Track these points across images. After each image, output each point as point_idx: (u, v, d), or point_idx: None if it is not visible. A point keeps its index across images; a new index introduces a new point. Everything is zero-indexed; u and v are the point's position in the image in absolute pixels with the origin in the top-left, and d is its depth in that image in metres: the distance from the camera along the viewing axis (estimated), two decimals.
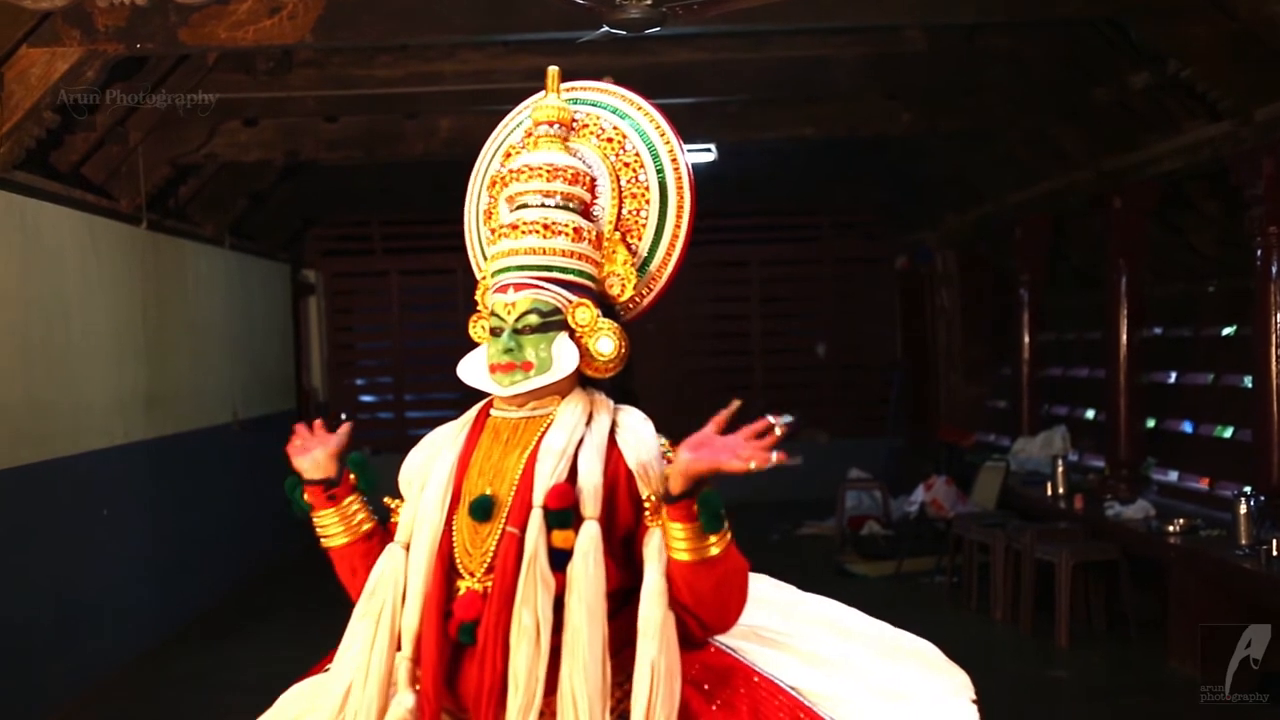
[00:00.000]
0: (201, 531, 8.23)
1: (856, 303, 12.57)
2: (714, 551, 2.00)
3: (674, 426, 2.19)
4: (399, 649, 2.14)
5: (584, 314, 2.19)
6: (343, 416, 11.62)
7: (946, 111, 8.09)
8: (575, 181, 2.23)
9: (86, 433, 6.64)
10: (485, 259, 2.32)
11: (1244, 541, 5.74)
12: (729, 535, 2.02)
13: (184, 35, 5.42)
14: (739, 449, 1.94)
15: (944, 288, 11.56)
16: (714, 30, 6.42)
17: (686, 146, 2.36)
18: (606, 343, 2.19)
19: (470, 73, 7.09)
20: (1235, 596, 5.80)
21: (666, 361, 11.51)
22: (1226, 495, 6.68)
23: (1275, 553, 5.50)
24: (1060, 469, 7.74)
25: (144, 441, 7.39)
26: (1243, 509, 5.80)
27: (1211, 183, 7.03)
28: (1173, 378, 8.06)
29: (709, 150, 8.89)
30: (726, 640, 2.29)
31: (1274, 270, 5.91)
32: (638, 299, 2.29)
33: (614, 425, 2.17)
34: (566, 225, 2.20)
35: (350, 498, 2.29)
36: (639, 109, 2.33)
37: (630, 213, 2.29)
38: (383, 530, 2.29)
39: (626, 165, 2.29)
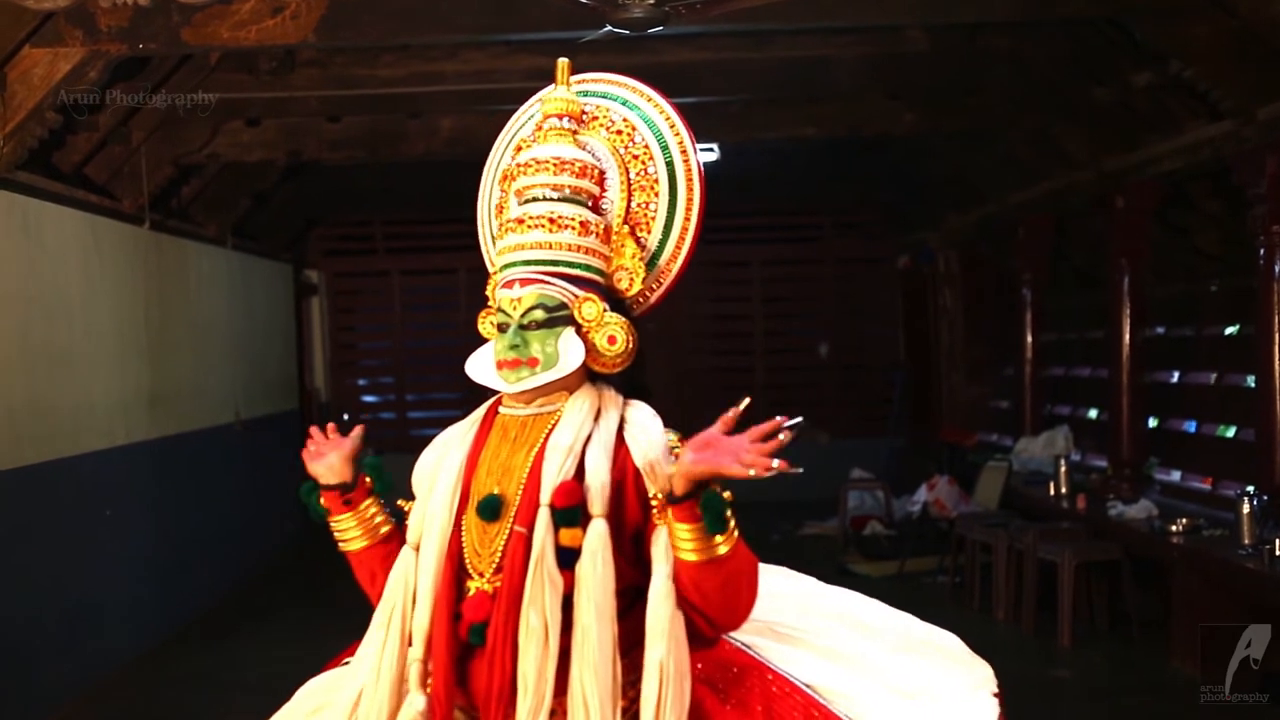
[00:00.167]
0: (203, 531, 8.23)
1: (858, 303, 12.57)
2: (721, 551, 1.97)
3: (675, 426, 2.16)
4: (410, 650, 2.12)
5: (590, 309, 2.15)
6: (344, 417, 11.66)
7: (948, 111, 8.09)
8: (583, 175, 2.20)
9: (89, 433, 6.64)
10: (495, 253, 2.29)
11: (1247, 541, 5.74)
12: (736, 534, 1.99)
13: (186, 35, 5.42)
14: (742, 453, 1.90)
15: (946, 288, 11.57)
16: (716, 30, 6.43)
17: None
18: (614, 338, 2.16)
19: (472, 72, 7.09)
20: (1238, 597, 5.80)
21: (667, 362, 11.51)
22: (1229, 495, 6.67)
23: (1278, 553, 5.48)
24: (1063, 469, 7.74)
25: (146, 442, 7.39)
26: (1245, 509, 5.79)
27: (1214, 182, 7.02)
28: (1175, 377, 8.06)
29: (711, 150, 8.89)
30: (741, 637, 2.26)
31: (1276, 269, 5.90)
32: (647, 293, 2.26)
33: (623, 421, 2.14)
34: (573, 219, 2.17)
35: (367, 501, 2.27)
36: (649, 100, 2.30)
37: (639, 206, 2.25)
38: (400, 532, 2.26)
39: (636, 158, 2.26)
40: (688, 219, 2.25)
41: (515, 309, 2.14)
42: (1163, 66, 6.29)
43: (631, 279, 2.22)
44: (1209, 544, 6.04)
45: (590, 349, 2.16)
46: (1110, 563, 6.75)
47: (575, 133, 2.25)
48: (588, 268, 2.17)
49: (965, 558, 7.77)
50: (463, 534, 2.14)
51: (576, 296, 2.16)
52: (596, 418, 2.13)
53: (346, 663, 2.28)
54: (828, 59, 7.18)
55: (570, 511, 2.04)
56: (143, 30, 5.40)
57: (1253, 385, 6.46)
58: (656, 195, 2.25)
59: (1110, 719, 5.82)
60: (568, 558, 2.03)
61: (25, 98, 5.55)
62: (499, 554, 2.09)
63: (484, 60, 7.02)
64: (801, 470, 1.89)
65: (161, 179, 7.71)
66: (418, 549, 2.15)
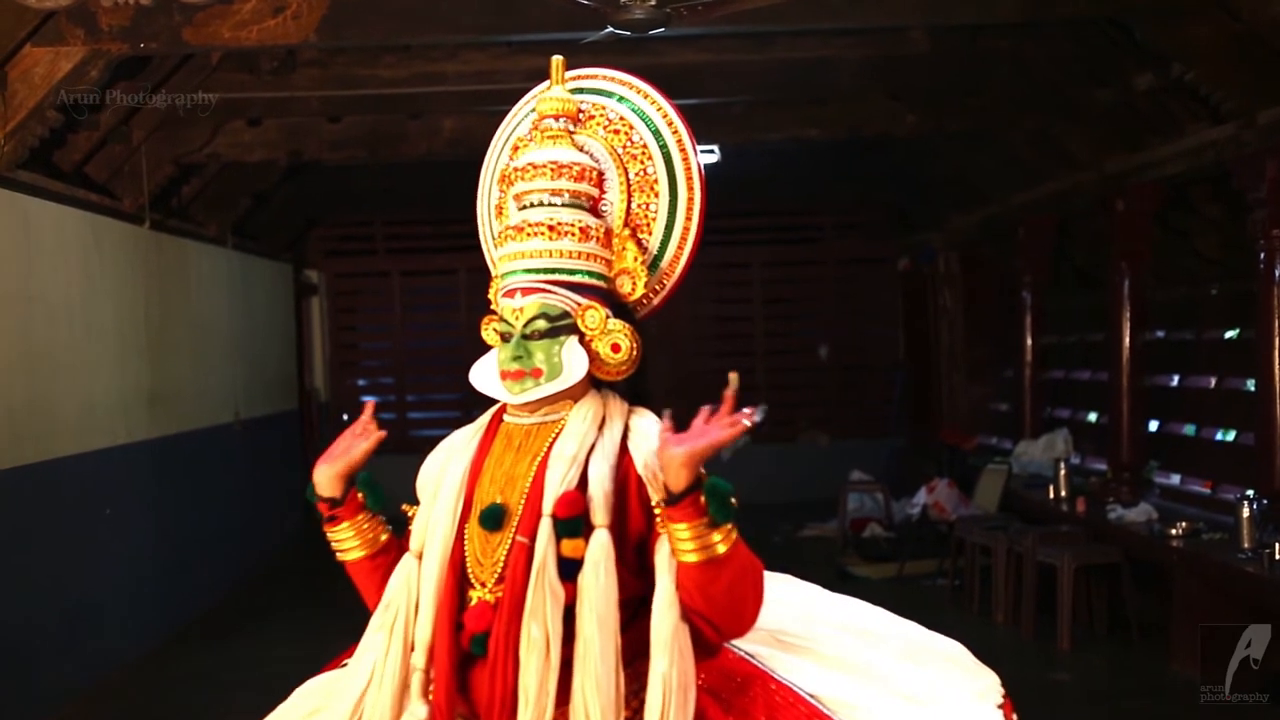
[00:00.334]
0: (203, 531, 8.23)
1: (859, 304, 12.57)
2: (720, 549, 1.94)
3: (675, 426, 2.16)
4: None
5: (593, 317, 2.12)
6: (344, 417, 11.65)
7: (950, 112, 8.09)
8: (581, 178, 2.16)
9: (89, 432, 6.64)
10: (496, 259, 2.25)
11: (1246, 545, 5.74)
12: (735, 533, 1.96)
13: (188, 35, 5.42)
14: (721, 422, 1.92)
15: (947, 289, 11.56)
16: (718, 31, 6.43)
17: None
18: (618, 345, 2.13)
19: (473, 73, 7.09)
20: (1237, 600, 5.80)
21: (668, 363, 11.50)
22: (1229, 499, 6.67)
23: (1278, 556, 5.48)
24: (1062, 472, 7.74)
25: (146, 441, 7.39)
26: (1245, 512, 5.79)
27: (1214, 186, 7.03)
28: (1175, 381, 8.05)
29: (712, 151, 8.89)
30: (745, 645, 2.24)
31: (1277, 273, 5.90)
32: (650, 296, 2.21)
33: (627, 429, 2.11)
34: (573, 225, 2.13)
35: (360, 515, 2.22)
36: (645, 96, 2.24)
37: (640, 207, 2.21)
38: (399, 541, 2.22)
39: (634, 157, 2.21)
40: (689, 219, 2.21)
41: (517, 319, 2.11)
42: (1165, 69, 6.30)
43: (634, 283, 2.17)
44: (1209, 548, 6.04)
45: (594, 357, 2.13)
46: (1110, 566, 6.75)
47: (572, 134, 2.20)
48: (589, 274, 2.14)
49: (964, 560, 7.77)
50: (465, 543, 2.11)
51: (579, 305, 2.12)
52: (601, 426, 2.11)
53: (345, 664, 2.26)
54: (829, 60, 7.18)
55: (572, 522, 2.01)
56: (144, 30, 5.40)
57: (1252, 389, 6.46)
58: (656, 195, 2.21)
59: None
60: (570, 568, 2.00)
61: (26, 97, 5.55)
62: (501, 564, 2.07)
63: (485, 61, 7.03)
64: (760, 417, 1.93)
65: (162, 178, 7.71)
66: (421, 557, 2.12)
